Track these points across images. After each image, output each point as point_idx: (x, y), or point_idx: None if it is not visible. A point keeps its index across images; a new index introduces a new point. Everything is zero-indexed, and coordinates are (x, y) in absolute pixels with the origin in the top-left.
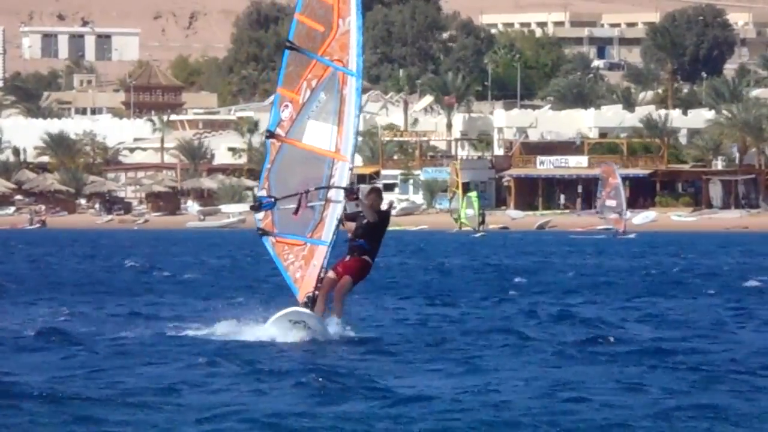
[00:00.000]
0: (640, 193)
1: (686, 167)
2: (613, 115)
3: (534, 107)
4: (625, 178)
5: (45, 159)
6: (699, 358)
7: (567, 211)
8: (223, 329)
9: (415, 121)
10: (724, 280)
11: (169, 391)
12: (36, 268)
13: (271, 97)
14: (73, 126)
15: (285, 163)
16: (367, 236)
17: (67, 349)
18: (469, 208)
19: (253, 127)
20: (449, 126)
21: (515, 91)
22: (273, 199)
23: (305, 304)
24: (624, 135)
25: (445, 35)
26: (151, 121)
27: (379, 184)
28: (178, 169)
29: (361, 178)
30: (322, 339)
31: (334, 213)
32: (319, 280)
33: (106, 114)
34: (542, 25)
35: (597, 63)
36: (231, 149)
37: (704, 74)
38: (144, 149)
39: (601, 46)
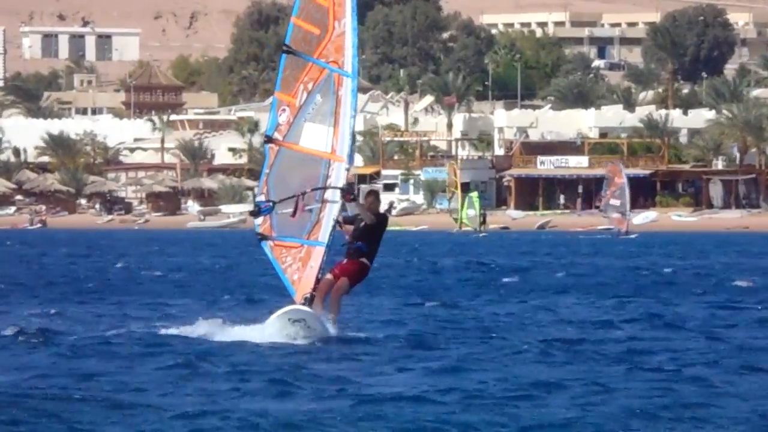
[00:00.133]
0: (641, 193)
1: (687, 167)
2: (613, 115)
3: (534, 107)
4: None
5: (45, 159)
6: (665, 358)
7: (567, 211)
8: (205, 329)
9: (415, 120)
10: (714, 280)
11: (143, 391)
12: (27, 268)
13: (271, 98)
14: (73, 126)
15: (283, 166)
16: (365, 238)
17: (45, 349)
18: (470, 209)
19: (254, 127)
20: (450, 126)
21: (516, 91)
22: (271, 203)
23: (303, 305)
24: (624, 135)
25: (445, 35)
26: (152, 121)
27: (379, 185)
28: (179, 169)
29: (362, 179)
30: (321, 338)
31: (330, 214)
32: (317, 281)
33: (107, 114)
34: (543, 25)
35: (597, 63)
36: (231, 149)
37: (705, 74)
38: (144, 149)
39: (602, 46)
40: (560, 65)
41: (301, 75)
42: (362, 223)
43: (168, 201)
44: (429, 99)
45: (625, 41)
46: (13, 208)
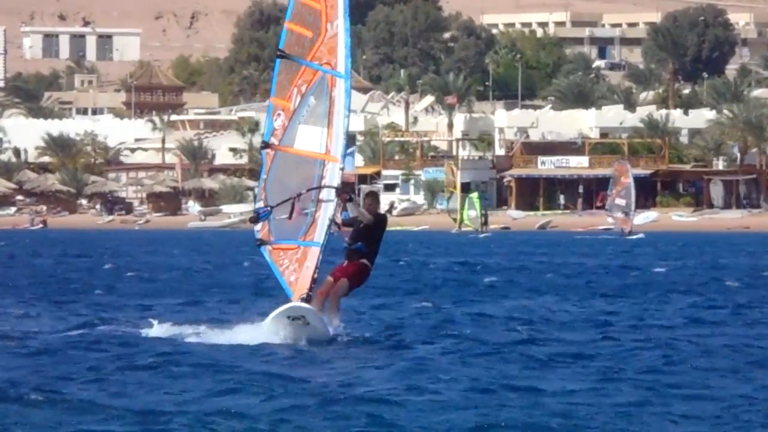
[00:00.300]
0: (641, 194)
1: (687, 167)
2: (614, 116)
3: (535, 107)
4: None
5: (46, 159)
6: (606, 359)
7: (568, 211)
8: (180, 330)
9: (415, 120)
10: (703, 280)
11: (102, 390)
12: (15, 268)
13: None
14: (74, 126)
15: (279, 171)
16: (363, 239)
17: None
18: (471, 209)
19: (254, 127)
20: (450, 126)
21: (516, 91)
22: (269, 208)
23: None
24: (625, 135)
25: (446, 35)
26: (152, 121)
27: (380, 185)
28: (179, 169)
29: (362, 179)
30: (321, 336)
31: (325, 213)
32: (313, 281)
33: (107, 114)
34: (543, 25)
35: (598, 63)
36: (232, 149)
37: (705, 74)
38: (145, 149)
39: (602, 46)
40: (561, 65)
41: (295, 78)
42: (361, 224)
43: (169, 201)
44: (429, 99)
45: (626, 41)
46: (13, 209)
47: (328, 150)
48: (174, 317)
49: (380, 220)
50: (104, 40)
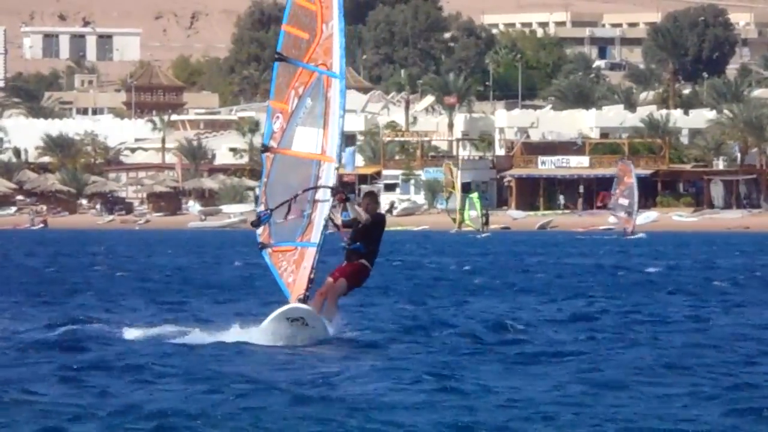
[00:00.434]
0: (642, 194)
1: (688, 167)
2: (614, 116)
3: (535, 107)
4: None
5: (46, 159)
6: (562, 358)
7: (568, 211)
8: (152, 331)
9: (415, 120)
10: (691, 281)
11: (70, 390)
12: (3, 267)
13: None
14: (74, 126)
15: (279, 173)
16: (362, 239)
17: None
18: (472, 209)
19: (255, 127)
20: (451, 126)
21: (516, 91)
22: (270, 212)
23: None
24: (625, 135)
25: (446, 35)
26: (152, 121)
27: (380, 185)
28: (179, 169)
29: (363, 179)
30: (321, 337)
31: (321, 214)
32: (310, 281)
33: (108, 114)
34: (543, 25)
35: (598, 63)
36: (232, 149)
37: (706, 74)
38: (145, 149)
39: (603, 46)
40: (561, 65)
41: (292, 81)
42: (360, 224)
43: (169, 201)
44: (430, 99)
45: (626, 41)
46: (14, 209)
47: (323, 150)
48: (152, 318)
49: (378, 221)
50: (104, 40)
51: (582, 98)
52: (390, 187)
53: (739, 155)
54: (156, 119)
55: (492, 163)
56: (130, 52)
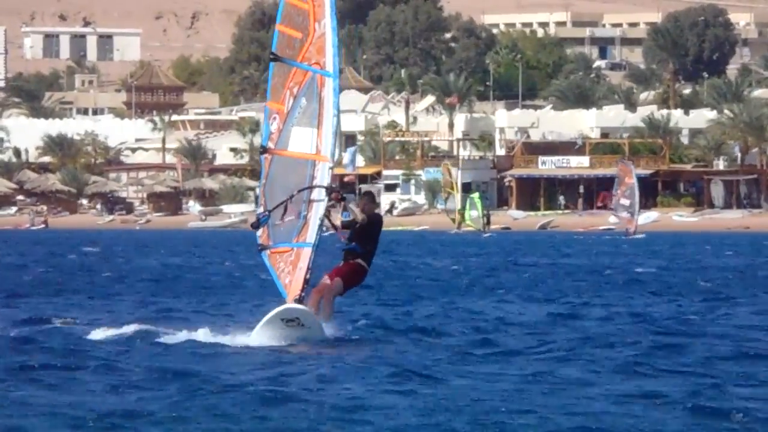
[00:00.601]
0: (642, 194)
1: (688, 167)
2: (614, 116)
3: (536, 107)
4: None
5: (46, 159)
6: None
7: (568, 211)
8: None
9: (415, 120)
10: (679, 281)
11: (35, 390)
12: None
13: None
14: (74, 126)
15: (277, 174)
16: (358, 239)
17: None
18: (473, 209)
19: (255, 127)
20: (451, 126)
21: (517, 91)
22: (268, 213)
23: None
24: (626, 135)
25: (447, 35)
26: (153, 121)
27: (380, 185)
28: (180, 169)
29: (363, 179)
30: (317, 337)
31: (317, 213)
32: (305, 281)
33: (108, 114)
34: (544, 25)
35: (599, 63)
36: (232, 149)
37: (706, 74)
38: (146, 149)
39: (603, 46)
40: (561, 65)
41: (287, 81)
42: (356, 224)
43: (169, 201)
44: (430, 99)
45: (627, 41)
46: (14, 209)
47: (318, 150)
48: (127, 318)
49: (375, 221)
50: (105, 40)
51: (582, 98)
52: (390, 188)
53: (739, 155)
54: (156, 119)
55: (492, 163)
56: (131, 52)
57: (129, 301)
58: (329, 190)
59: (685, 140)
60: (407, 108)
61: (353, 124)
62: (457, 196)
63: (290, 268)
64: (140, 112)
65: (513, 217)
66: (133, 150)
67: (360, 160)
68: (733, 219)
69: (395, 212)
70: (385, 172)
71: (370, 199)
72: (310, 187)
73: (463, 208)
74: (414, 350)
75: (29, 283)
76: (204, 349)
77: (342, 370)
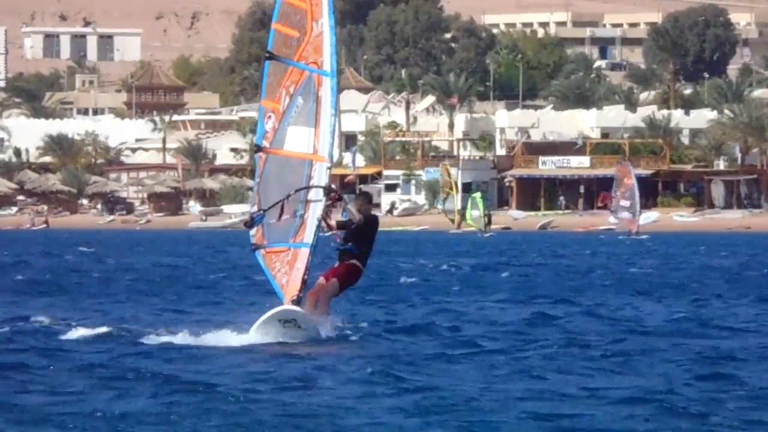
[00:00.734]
0: (643, 194)
1: (688, 167)
2: (615, 116)
3: (536, 107)
4: None
5: (47, 159)
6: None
7: (569, 211)
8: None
9: (415, 120)
10: (670, 282)
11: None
12: None
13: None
14: (75, 126)
15: (271, 173)
16: (354, 239)
17: None
18: (475, 209)
19: (255, 127)
20: (451, 126)
21: (517, 91)
22: (262, 212)
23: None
24: (626, 135)
25: (447, 35)
26: (153, 121)
27: (380, 185)
28: (180, 169)
29: (363, 179)
30: (314, 338)
31: (314, 214)
32: (303, 282)
33: (108, 114)
34: (544, 25)
35: (599, 63)
36: (233, 150)
37: (706, 74)
38: (146, 150)
39: (603, 46)
40: (562, 65)
41: (283, 80)
42: (352, 225)
43: (169, 201)
44: (430, 99)
45: (627, 41)
46: (15, 209)
47: (315, 150)
48: (107, 318)
49: (371, 221)
50: (105, 40)
51: (583, 98)
52: (391, 188)
53: (739, 155)
54: (157, 119)
55: (493, 163)
56: (131, 53)
57: (113, 301)
58: (327, 191)
59: (685, 140)
60: (407, 108)
61: (354, 124)
62: (457, 196)
63: (287, 269)
64: (140, 112)
65: (513, 218)
66: (134, 150)
67: (360, 161)
68: (734, 219)
69: (395, 212)
70: (385, 173)
71: (367, 199)
72: (308, 187)
73: (465, 207)
74: (395, 350)
75: (20, 283)
76: (182, 351)
77: (322, 370)
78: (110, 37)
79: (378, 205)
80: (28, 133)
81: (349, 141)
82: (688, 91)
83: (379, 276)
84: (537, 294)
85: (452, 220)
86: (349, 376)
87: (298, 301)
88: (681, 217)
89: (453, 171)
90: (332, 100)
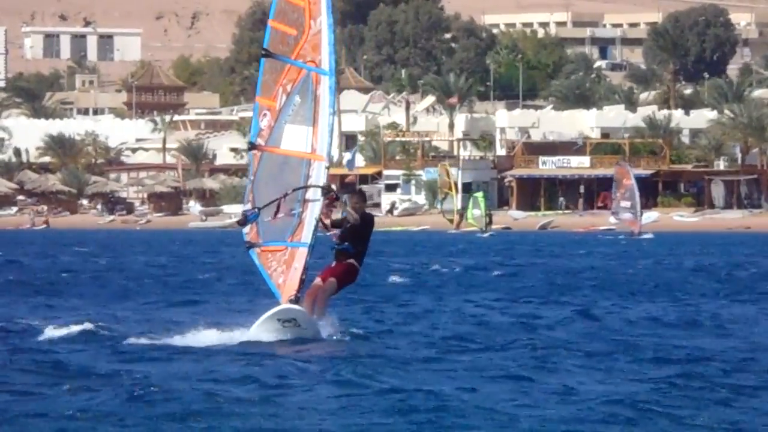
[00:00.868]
0: (643, 194)
1: (688, 167)
2: (615, 116)
3: (536, 107)
4: None
5: (47, 159)
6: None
7: (569, 211)
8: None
9: (415, 120)
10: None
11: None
12: None
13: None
14: (75, 126)
15: (266, 172)
16: (351, 239)
17: None
18: (476, 209)
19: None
20: (451, 126)
21: (517, 91)
22: (257, 210)
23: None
24: (626, 135)
25: (447, 35)
26: (153, 121)
27: (380, 185)
28: (180, 169)
29: (363, 179)
30: (312, 337)
31: (312, 213)
32: (301, 282)
33: (108, 114)
34: (544, 25)
35: (599, 63)
36: (233, 150)
37: (707, 74)
38: (146, 150)
39: (603, 46)
40: (562, 65)
41: (280, 78)
42: (348, 224)
43: (170, 201)
44: (431, 99)
45: (627, 41)
46: (15, 209)
47: (314, 149)
48: (88, 317)
49: (367, 220)
50: (105, 40)
51: (583, 98)
52: (391, 188)
53: (739, 155)
54: (157, 119)
55: (493, 163)
56: (131, 52)
57: (100, 301)
58: (325, 190)
59: (685, 140)
60: (407, 108)
61: (354, 124)
62: (457, 196)
63: (284, 268)
64: (141, 112)
65: (513, 218)
66: (134, 150)
67: (360, 161)
68: (734, 219)
69: (396, 212)
70: (385, 173)
71: (362, 198)
72: (306, 187)
73: (465, 207)
74: (378, 350)
75: (10, 282)
76: (158, 351)
77: (302, 370)
78: (110, 37)
79: (378, 205)
80: (28, 133)
81: (349, 141)
82: (688, 91)
83: (369, 275)
84: (524, 295)
85: (450, 221)
86: (324, 377)
87: (296, 301)
88: (681, 218)
89: (453, 171)
90: (331, 99)
